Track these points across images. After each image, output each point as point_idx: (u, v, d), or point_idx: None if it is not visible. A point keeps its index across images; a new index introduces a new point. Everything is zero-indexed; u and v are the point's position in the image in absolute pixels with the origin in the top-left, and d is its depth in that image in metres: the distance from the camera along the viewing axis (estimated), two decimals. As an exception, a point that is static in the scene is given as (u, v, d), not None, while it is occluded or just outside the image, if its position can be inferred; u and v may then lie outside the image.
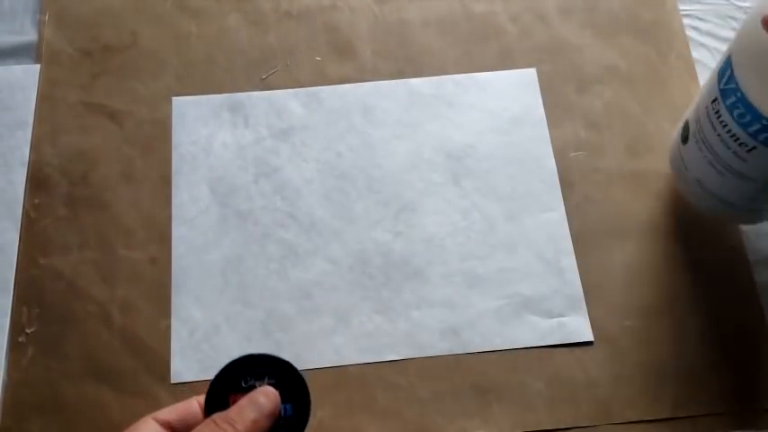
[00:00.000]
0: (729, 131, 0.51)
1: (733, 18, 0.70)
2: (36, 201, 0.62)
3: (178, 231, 0.61)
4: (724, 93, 0.51)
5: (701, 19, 0.70)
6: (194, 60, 0.68)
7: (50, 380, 0.57)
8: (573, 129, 0.66)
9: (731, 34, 0.67)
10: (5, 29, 0.69)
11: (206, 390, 0.43)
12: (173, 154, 0.64)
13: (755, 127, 0.49)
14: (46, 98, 0.66)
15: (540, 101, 0.67)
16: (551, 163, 0.64)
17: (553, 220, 0.62)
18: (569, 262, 0.61)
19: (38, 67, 0.67)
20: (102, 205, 0.62)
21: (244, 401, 0.41)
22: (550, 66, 0.68)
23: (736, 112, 0.50)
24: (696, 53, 0.69)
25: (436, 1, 0.71)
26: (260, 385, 0.42)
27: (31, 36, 0.69)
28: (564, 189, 0.63)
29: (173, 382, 0.56)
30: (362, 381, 0.57)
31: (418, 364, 0.57)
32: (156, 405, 0.56)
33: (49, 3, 0.70)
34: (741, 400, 0.57)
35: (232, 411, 0.41)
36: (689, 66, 0.68)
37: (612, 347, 0.58)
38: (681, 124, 0.59)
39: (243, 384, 0.43)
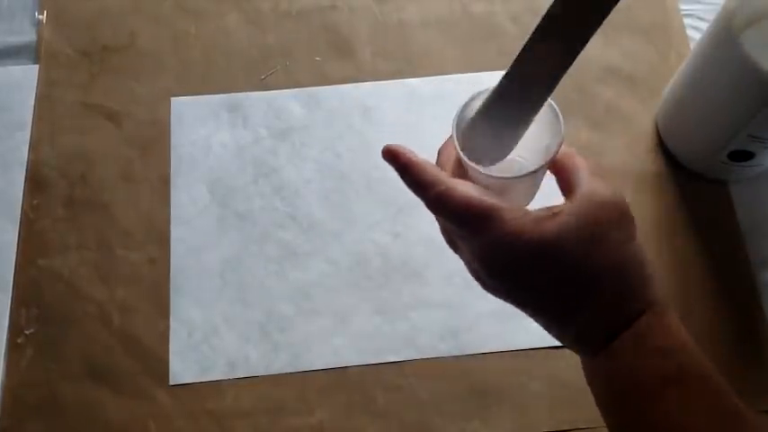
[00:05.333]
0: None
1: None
2: (35, 201, 0.62)
3: (177, 232, 0.61)
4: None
5: (701, 18, 0.70)
6: (193, 61, 0.68)
7: (49, 381, 0.56)
8: (573, 129, 0.65)
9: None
10: (4, 29, 0.69)
11: None
12: (171, 154, 0.64)
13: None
14: (44, 98, 0.66)
15: (540, 101, 0.66)
16: (551, 163, 0.64)
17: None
18: (569, 262, 0.60)
19: (36, 67, 0.67)
20: (100, 206, 0.62)
21: None
22: (550, 66, 0.68)
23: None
24: (697, 53, 0.69)
25: (436, 1, 0.71)
26: None
27: (29, 36, 0.69)
28: (564, 189, 0.63)
29: (171, 383, 0.56)
30: (362, 382, 0.57)
31: (417, 365, 0.57)
32: (155, 406, 0.56)
33: (47, 3, 0.70)
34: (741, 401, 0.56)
35: None
36: (689, 65, 0.68)
37: (612, 348, 0.58)
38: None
39: None
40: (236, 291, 0.59)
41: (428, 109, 0.66)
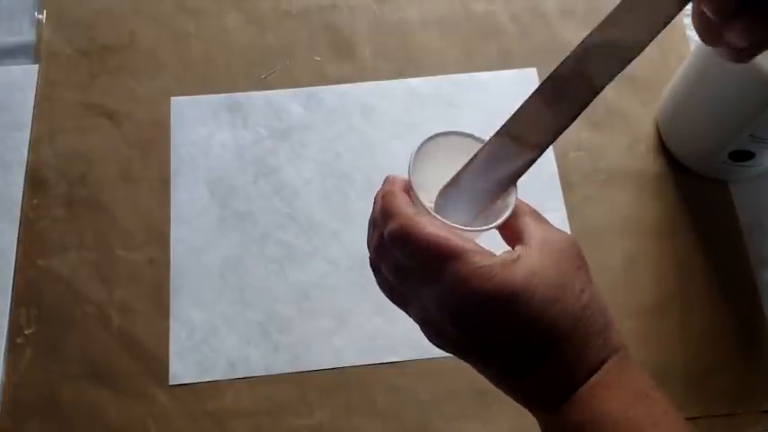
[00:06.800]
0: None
1: (734, 17, 0.70)
2: (34, 201, 0.62)
3: (177, 232, 0.61)
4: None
5: (701, 18, 0.70)
6: (193, 60, 0.68)
7: (49, 381, 0.56)
8: (573, 129, 0.65)
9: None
10: (4, 29, 0.69)
11: None
12: (171, 154, 0.64)
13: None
14: (44, 98, 0.66)
15: (540, 101, 0.66)
16: (552, 163, 0.64)
17: (553, 221, 0.61)
18: (569, 263, 0.60)
19: (36, 67, 0.67)
20: (100, 206, 0.62)
21: None
22: (550, 66, 0.67)
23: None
24: (697, 53, 0.69)
25: (436, 1, 0.71)
26: None
27: (29, 36, 0.69)
28: (564, 189, 0.63)
29: (171, 383, 0.56)
30: (362, 382, 0.57)
31: (418, 365, 0.57)
32: (155, 407, 0.56)
33: (47, 3, 0.70)
34: (741, 401, 0.56)
35: None
36: (690, 65, 0.68)
37: (613, 349, 0.58)
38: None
39: None
40: (236, 291, 0.59)
41: (428, 109, 0.66)
